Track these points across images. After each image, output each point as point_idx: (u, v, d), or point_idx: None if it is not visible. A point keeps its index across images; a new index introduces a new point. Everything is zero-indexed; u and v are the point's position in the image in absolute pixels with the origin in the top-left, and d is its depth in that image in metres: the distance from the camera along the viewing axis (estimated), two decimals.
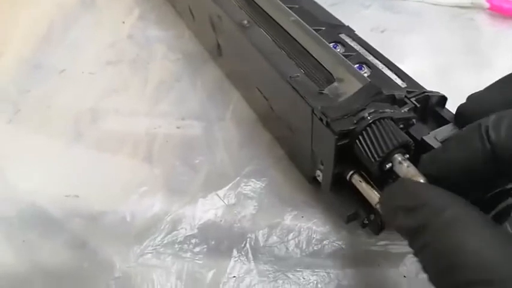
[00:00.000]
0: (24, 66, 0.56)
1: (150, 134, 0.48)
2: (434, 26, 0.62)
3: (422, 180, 0.31)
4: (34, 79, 0.54)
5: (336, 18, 0.48)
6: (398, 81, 0.40)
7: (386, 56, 0.42)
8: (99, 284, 0.38)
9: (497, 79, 0.53)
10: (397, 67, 0.42)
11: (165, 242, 0.39)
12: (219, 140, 0.47)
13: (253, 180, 0.43)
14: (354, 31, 0.46)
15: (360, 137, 0.33)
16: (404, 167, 0.32)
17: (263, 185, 0.43)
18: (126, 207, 0.42)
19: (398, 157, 0.33)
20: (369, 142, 0.33)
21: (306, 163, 0.41)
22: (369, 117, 0.34)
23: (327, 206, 0.41)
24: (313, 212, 0.41)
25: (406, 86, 0.40)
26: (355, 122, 0.34)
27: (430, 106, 0.39)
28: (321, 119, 0.34)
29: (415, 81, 0.40)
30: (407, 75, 0.41)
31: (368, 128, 0.33)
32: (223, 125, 0.48)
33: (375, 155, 0.32)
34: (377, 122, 0.33)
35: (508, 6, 0.61)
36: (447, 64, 0.56)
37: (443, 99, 0.39)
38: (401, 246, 0.38)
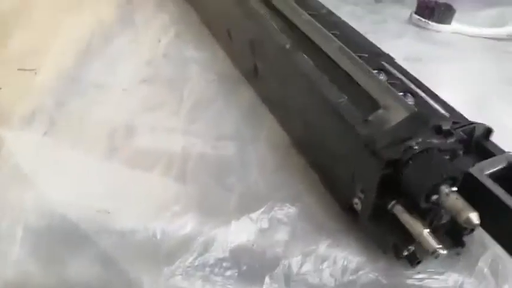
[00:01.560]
0: (62, 79, 0.56)
1: (184, 152, 0.47)
2: (470, 57, 0.61)
3: (473, 214, 0.30)
4: (71, 92, 0.55)
5: (376, 46, 0.48)
6: (442, 111, 0.40)
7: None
8: None
9: None
10: (439, 97, 0.41)
11: (195, 264, 0.39)
12: (253, 162, 0.46)
13: (287, 205, 0.42)
14: (394, 59, 0.46)
15: (407, 167, 0.33)
16: (452, 199, 0.31)
17: (297, 210, 0.42)
18: (157, 226, 0.41)
19: (445, 189, 0.32)
20: (416, 173, 0.32)
21: (343, 191, 0.40)
22: (416, 147, 0.33)
23: (363, 236, 0.40)
24: (348, 240, 0.40)
25: (449, 116, 0.39)
26: (402, 151, 0.33)
27: (475, 138, 0.38)
28: (367, 146, 0.34)
29: (459, 112, 0.40)
30: (450, 105, 0.40)
31: (415, 158, 0.32)
32: (257, 147, 0.48)
33: (423, 187, 0.32)
34: (424, 151, 0.33)
35: None
36: (483, 95, 0.55)
37: (488, 131, 0.38)
38: (439, 280, 0.37)
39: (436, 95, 0.41)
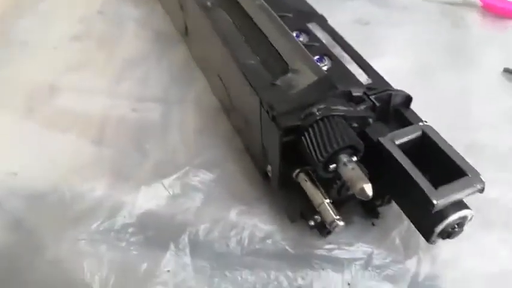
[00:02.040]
0: None
1: (105, 114, 0.45)
2: (422, 22, 0.58)
3: (366, 186, 0.29)
4: None
5: (310, 6, 0.45)
6: (363, 77, 0.37)
7: (363, 51, 0.39)
8: (29, 266, 0.36)
9: (482, 79, 0.51)
10: (366, 62, 0.39)
11: (101, 229, 0.37)
12: (176, 124, 0.44)
13: (203, 170, 0.41)
14: (327, 20, 0.43)
15: (306, 134, 0.31)
16: (348, 169, 0.30)
17: (213, 176, 0.40)
18: (66, 189, 0.39)
19: (343, 158, 0.30)
20: (314, 140, 0.30)
21: (259, 157, 0.38)
22: (317, 113, 0.31)
23: (277, 203, 0.38)
24: (262, 209, 0.38)
25: (370, 82, 0.37)
26: (302, 117, 0.31)
27: (393, 106, 0.36)
28: (267, 112, 0.32)
29: (383, 79, 0.37)
30: (375, 71, 0.38)
31: (315, 125, 0.31)
32: (182, 109, 0.46)
33: (319, 155, 0.30)
34: (325, 119, 0.31)
35: (501, 5, 0.58)
36: (430, 62, 0.53)
37: (407, 99, 0.36)
38: (349, 251, 0.36)
39: (362, 59, 0.39)
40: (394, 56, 0.53)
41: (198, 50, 0.49)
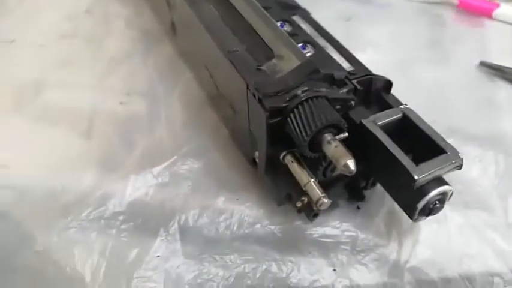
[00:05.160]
0: None
1: (92, 108, 0.46)
2: (402, 19, 0.60)
3: (349, 161, 0.30)
4: None
5: (293, 0, 0.46)
6: (345, 64, 0.39)
7: (345, 45, 0.40)
8: (18, 256, 0.36)
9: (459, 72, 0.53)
10: (348, 51, 0.40)
11: (91, 217, 0.38)
12: (162, 117, 0.45)
13: (191, 159, 0.41)
14: (309, 13, 0.45)
15: (291, 115, 0.32)
16: (332, 146, 0.31)
17: (201, 165, 0.41)
18: (56, 181, 0.40)
19: (327, 137, 0.31)
20: (299, 120, 0.31)
21: (246, 144, 0.39)
22: (301, 95, 0.32)
23: (264, 190, 0.39)
24: (250, 194, 0.39)
25: (353, 69, 0.38)
26: (287, 99, 0.32)
27: (374, 90, 0.37)
28: (253, 95, 0.33)
29: (364, 66, 0.39)
30: (357, 60, 0.39)
31: (300, 106, 0.32)
32: (169, 102, 0.47)
33: (304, 134, 0.31)
34: (309, 100, 0.32)
35: (476, 4, 0.60)
36: (408, 57, 0.55)
37: (388, 84, 0.38)
38: (334, 235, 0.37)
39: (345, 49, 0.40)
40: (375, 51, 0.55)
41: (185, 45, 0.50)
